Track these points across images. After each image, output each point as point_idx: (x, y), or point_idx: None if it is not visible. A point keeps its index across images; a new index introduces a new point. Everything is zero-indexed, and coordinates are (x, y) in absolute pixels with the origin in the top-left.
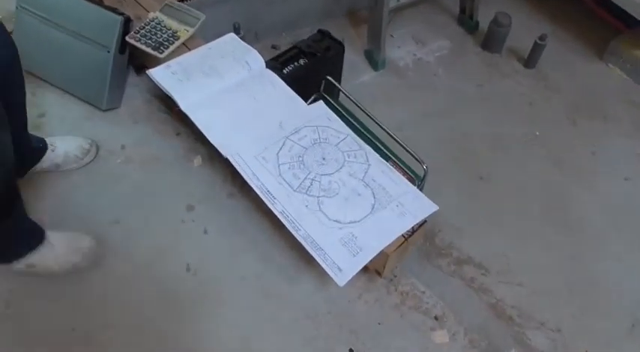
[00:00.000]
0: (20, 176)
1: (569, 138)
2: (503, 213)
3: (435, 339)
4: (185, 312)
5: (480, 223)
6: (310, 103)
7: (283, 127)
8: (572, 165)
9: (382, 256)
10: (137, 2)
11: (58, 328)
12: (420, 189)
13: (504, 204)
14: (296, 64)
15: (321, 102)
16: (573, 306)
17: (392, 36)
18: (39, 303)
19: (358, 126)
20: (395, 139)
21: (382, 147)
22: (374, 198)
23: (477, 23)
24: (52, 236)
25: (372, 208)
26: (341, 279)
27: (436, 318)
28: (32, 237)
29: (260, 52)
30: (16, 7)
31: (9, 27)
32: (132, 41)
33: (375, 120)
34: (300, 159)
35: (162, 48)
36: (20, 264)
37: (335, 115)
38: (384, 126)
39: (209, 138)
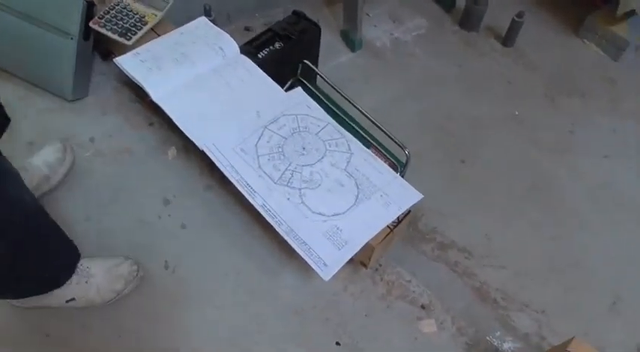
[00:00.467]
0: None
1: (548, 117)
2: (484, 196)
3: (422, 329)
4: (165, 312)
5: (462, 206)
6: (287, 88)
7: (261, 116)
8: (551, 144)
9: (368, 248)
10: None
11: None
12: (402, 175)
13: (486, 187)
14: (271, 48)
15: (299, 88)
16: (556, 286)
17: (368, 15)
18: None
19: (337, 111)
20: (376, 125)
21: (363, 133)
22: (357, 188)
23: (454, 1)
24: (88, 263)
25: (356, 199)
26: (326, 274)
27: (423, 307)
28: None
29: (233, 35)
30: None
31: None
32: (96, 27)
33: (355, 106)
34: (280, 149)
35: (129, 34)
36: (59, 300)
37: (314, 103)
38: (364, 111)
39: (183, 130)
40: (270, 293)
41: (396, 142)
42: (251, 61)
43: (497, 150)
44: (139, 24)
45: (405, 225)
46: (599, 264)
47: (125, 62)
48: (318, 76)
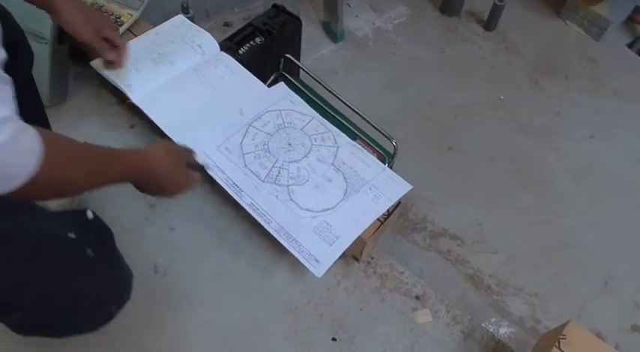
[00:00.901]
0: None
1: (532, 100)
2: (473, 182)
3: (418, 319)
4: (158, 317)
5: (451, 194)
6: (270, 83)
7: (244, 114)
8: (537, 127)
9: (359, 242)
10: None
11: None
12: (390, 166)
13: (474, 173)
14: (252, 43)
15: (282, 83)
16: (548, 269)
17: (349, 5)
18: None
19: (322, 104)
20: (362, 116)
21: (349, 125)
22: (346, 182)
23: None
24: None
25: (345, 193)
26: (318, 270)
27: (417, 298)
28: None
29: (212, 31)
30: None
31: None
32: None
33: (339, 98)
34: (266, 146)
35: None
36: None
37: (298, 97)
38: (349, 104)
39: (165, 131)
40: (263, 291)
41: (382, 133)
42: (232, 58)
43: (483, 136)
44: (114, 25)
45: (396, 216)
46: (589, 244)
47: (102, 65)
48: (301, 70)
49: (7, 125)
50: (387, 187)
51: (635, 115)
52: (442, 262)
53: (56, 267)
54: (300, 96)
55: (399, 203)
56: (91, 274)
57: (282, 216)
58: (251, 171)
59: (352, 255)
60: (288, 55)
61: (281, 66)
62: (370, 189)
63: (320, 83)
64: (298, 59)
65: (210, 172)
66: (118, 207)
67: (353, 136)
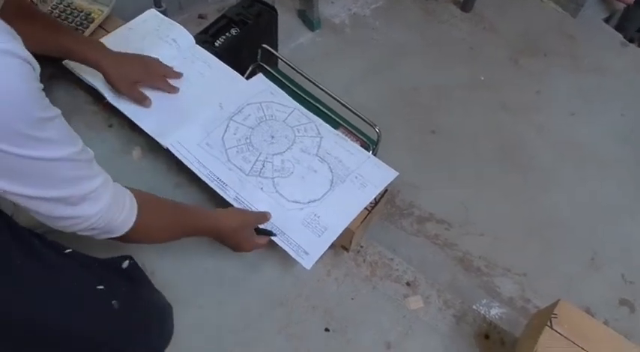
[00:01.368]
0: None
1: (513, 80)
2: (457, 164)
3: (409, 306)
4: None
5: (436, 178)
6: (249, 75)
7: (224, 108)
8: (519, 106)
9: (348, 232)
10: None
11: None
12: (375, 153)
13: (458, 155)
14: (227, 34)
15: (260, 75)
16: (535, 248)
17: None
18: None
19: (302, 94)
20: (343, 104)
21: (331, 114)
22: (331, 172)
23: None
24: None
25: (331, 184)
26: (308, 262)
27: (408, 284)
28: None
29: (186, 24)
30: None
31: None
32: None
33: (319, 87)
34: (248, 140)
35: None
36: None
37: (278, 88)
38: (330, 92)
39: (144, 129)
40: (253, 287)
41: (365, 121)
42: (207, 52)
43: (465, 117)
44: (85, 22)
45: (383, 204)
46: (574, 221)
47: (75, 64)
48: (279, 60)
49: (108, 187)
50: (373, 175)
51: (615, 90)
52: (431, 247)
53: (80, 315)
54: (280, 87)
55: (385, 190)
56: (113, 325)
57: (269, 209)
58: (235, 165)
59: (341, 244)
60: (265, 46)
61: (259, 57)
62: (356, 178)
63: (299, 72)
64: (276, 49)
65: (192, 169)
66: None
67: (336, 125)
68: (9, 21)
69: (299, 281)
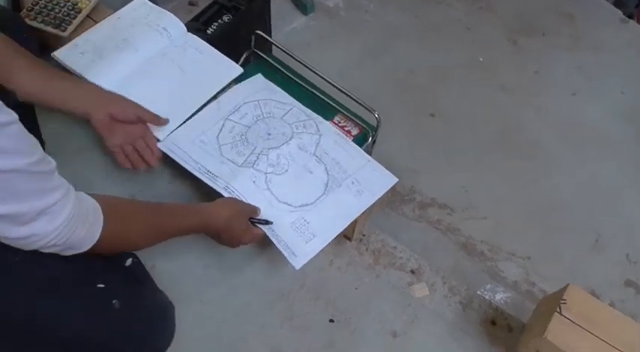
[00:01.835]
0: None
1: (512, 60)
2: (457, 148)
3: (415, 294)
4: None
5: (437, 162)
6: (243, 62)
7: (221, 107)
8: (518, 87)
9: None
10: None
11: None
12: (374, 140)
13: (457, 138)
14: (220, 21)
15: (259, 75)
16: (538, 230)
17: None
18: None
19: (298, 80)
20: (341, 90)
21: (328, 100)
22: (327, 174)
23: None
24: None
25: (326, 187)
26: (297, 263)
27: (412, 272)
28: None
29: (177, 12)
30: None
31: None
32: (26, 21)
33: (316, 73)
34: (244, 137)
35: (64, 24)
36: None
37: (277, 88)
38: (327, 78)
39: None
40: (253, 280)
41: (364, 106)
42: (199, 39)
43: (464, 100)
44: (72, 12)
45: (387, 193)
46: (577, 203)
47: (64, 56)
48: (273, 45)
49: (69, 200)
50: (371, 181)
51: (615, 68)
52: (433, 232)
53: (80, 315)
54: (275, 74)
55: None
56: (114, 325)
57: (258, 205)
58: (227, 158)
59: (344, 234)
60: (258, 32)
61: (252, 43)
62: (353, 183)
63: (294, 58)
64: (269, 35)
65: (183, 165)
66: None
67: (334, 112)
68: None
69: (300, 272)
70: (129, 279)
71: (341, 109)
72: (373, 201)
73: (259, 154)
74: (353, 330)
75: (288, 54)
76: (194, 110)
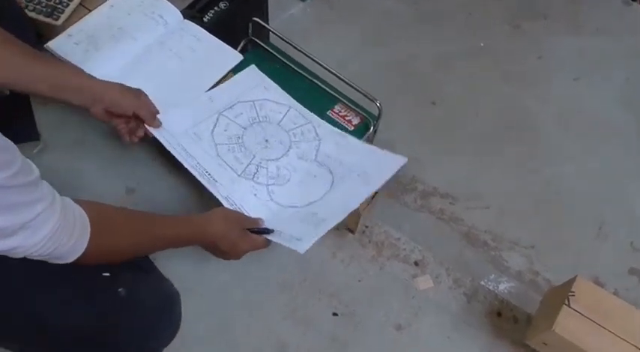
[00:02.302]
0: None
1: (514, 45)
2: (459, 136)
3: (419, 286)
4: None
5: (438, 151)
6: (240, 50)
7: (214, 100)
8: (520, 73)
9: (354, 214)
10: None
11: None
12: (375, 129)
13: (459, 126)
14: (216, 9)
15: (253, 67)
16: (541, 219)
17: None
18: None
19: (297, 68)
20: (342, 79)
21: (328, 89)
22: (331, 174)
23: None
24: None
25: (332, 184)
26: (301, 247)
27: (416, 264)
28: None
29: (172, 0)
30: None
31: None
32: None
33: (316, 61)
34: (240, 140)
35: (56, 13)
36: None
37: (271, 82)
38: (327, 66)
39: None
40: (255, 272)
41: (365, 95)
42: (197, 26)
43: (466, 87)
44: (65, 0)
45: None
46: (580, 190)
47: (58, 47)
48: (271, 33)
49: (54, 211)
50: (378, 168)
51: (618, 53)
52: (436, 222)
53: (85, 305)
54: (273, 62)
55: None
56: (119, 313)
57: (262, 215)
58: (225, 162)
59: (347, 227)
60: (256, 19)
61: (250, 31)
62: (358, 175)
63: (293, 46)
64: (267, 22)
65: (178, 157)
66: (94, 196)
67: (334, 101)
68: None
69: (303, 265)
70: (134, 268)
71: (341, 98)
72: (382, 183)
73: (258, 166)
74: (357, 323)
75: (286, 42)
76: (197, 97)
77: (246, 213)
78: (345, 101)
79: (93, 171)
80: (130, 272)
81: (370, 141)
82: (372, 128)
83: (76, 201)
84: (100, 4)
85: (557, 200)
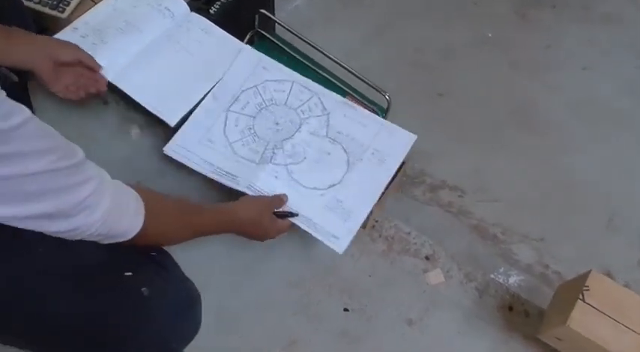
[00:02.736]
0: None
1: (521, 35)
2: (467, 128)
3: (430, 281)
4: None
5: (446, 143)
6: (247, 43)
7: (218, 98)
8: (528, 63)
9: None
10: None
11: None
12: None
13: (467, 118)
14: (222, 1)
15: (248, 48)
16: (551, 211)
17: None
18: None
19: (304, 60)
20: (351, 72)
21: (335, 81)
22: (346, 152)
23: None
24: None
25: (348, 164)
26: (339, 247)
27: (427, 258)
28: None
29: None
30: None
31: None
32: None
33: (324, 53)
34: (252, 131)
35: (62, 5)
36: None
37: (270, 59)
38: (335, 58)
39: (145, 106)
40: (265, 268)
41: (374, 87)
42: (204, 19)
43: (474, 78)
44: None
45: (399, 177)
46: (590, 181)
47: (63, 39)
48: (276, 24)
49: (106, 190)
50: (390, 145)
51: (628, 41)
52: (445, 215)
53: (107, 304)
54: (280, 54)
55: (403, 163)
56: (143, 312)
57: (288, 196)
58: (242, 157)
59: None
60: (262, 11)
61: (256, 23)
62: (373, 154)
63: (301, 38)
64: (273, 13)
65: (198, 169)
66: None
67: (342, 93)
68: None
69: (313, 261)
70: (157, 268)
71: (349, 90)
72: (397, 166)
73: (274, 149)
74: (368, 319)
75: (294, 34)
76: (205, 92)
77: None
78: (352, 93)
79: (98, 165)
80: (153, 270)
81: None
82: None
83: (128, 184)
84: None
85: (567, 191)
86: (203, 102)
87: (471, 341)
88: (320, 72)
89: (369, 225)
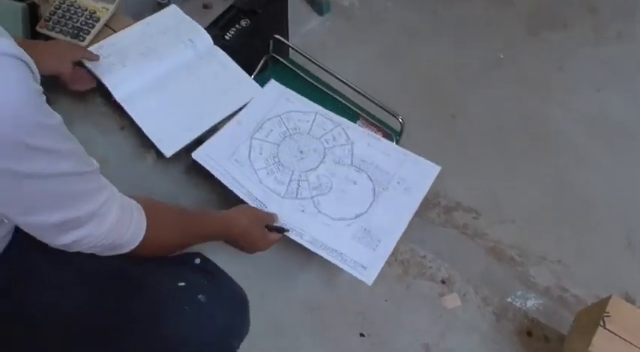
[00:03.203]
0: None
1: (534, 56)
2: (482, 149)
3: (446, 305)
4: None
5: (461, 165)
6: (261, 68)
7: (243, 124)
8: (541, 84)
9: None
10: None
11: None
12: (397, 144)
13: (481, 139)
14: (237, 26)
15: (273, 82)
16: (569, 233)
17: None
18: None
19: (318, 84)
20: (363, 95)
21: (349, 104)
22: (371, 181)
23: None
24: None
25: (374, 193)
26: (368, 277)
27: (443, 282)
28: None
29: (190, 14)
30: None
31: None
32: (44, 31)
33: (337, 77)
34: (276, 159)
35: (82, 34)
36: None
37: (294, 93)
38: (348, 82)
39: (146, 133)
40: (282, 292)
41: (387, 111)
42: (225, 54)
43: (487, 99)
44: (90, 21)
45: None
46: (607, 202)
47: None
48: (290, 48)
49: (115, 200)
50: (415, 175)
51: None
52: (460, 238)
53: (170, 314)
54: (294, 79)
55: None
56: (204, 320)
57: (315, 229)
58: (268, 188)
59: None
60: (277, 36)
61: (270, 48)
62: (398, 183)
63: (315, 63)
64: (287, 38)
65: (228, 185)
66: None
67: (355, 117)
68: None
69: (329, 285)
70: (204, 274)
71: (362, 113)
72: (423, 195)
73: (299, 181)
74: (384, 343)
75: (308, 58)
76: (210, 126)
77: (302, 230)
78: (365, 116)
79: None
80: (202, 278)
81: None
82: (394, 143)
83: (129, 195)
84: (125, 25)
85: (584, 212)
86: (226, 125)
87: None
88: (333, 95)
89: None
